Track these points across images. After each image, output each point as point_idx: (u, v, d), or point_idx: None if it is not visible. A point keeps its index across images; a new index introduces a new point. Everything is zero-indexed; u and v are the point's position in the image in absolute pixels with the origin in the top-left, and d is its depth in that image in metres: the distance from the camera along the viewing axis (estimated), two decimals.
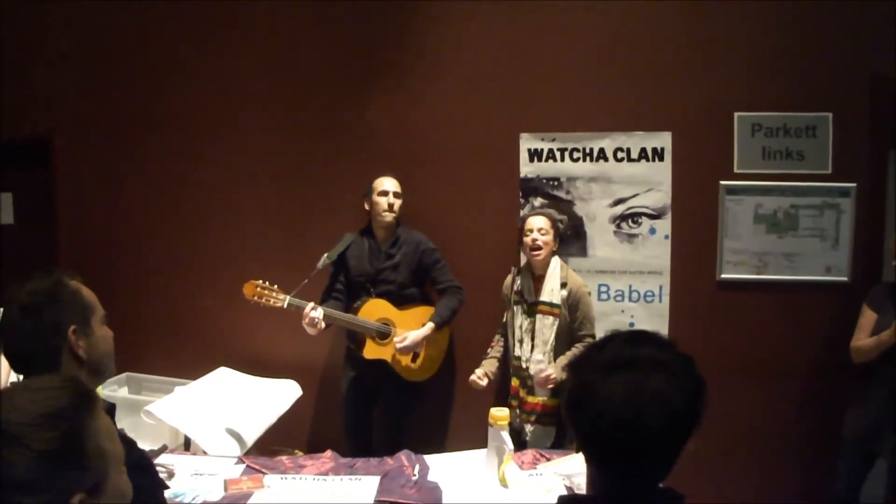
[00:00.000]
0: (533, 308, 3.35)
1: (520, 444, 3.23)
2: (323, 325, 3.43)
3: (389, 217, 3.60)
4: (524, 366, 3.34)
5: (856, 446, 3.23)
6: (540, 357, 3.26)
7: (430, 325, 3.55)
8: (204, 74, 4.13)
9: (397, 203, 3.60)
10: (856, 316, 3.29)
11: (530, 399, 3.32)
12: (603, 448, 1.25)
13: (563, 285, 3.32)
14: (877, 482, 3.24)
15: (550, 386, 3.20)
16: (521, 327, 3.36)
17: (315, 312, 3.40)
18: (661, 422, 1.18)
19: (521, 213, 3.80)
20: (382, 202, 3.57)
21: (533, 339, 3.32)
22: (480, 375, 3.35)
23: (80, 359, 1.59)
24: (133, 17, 4.20)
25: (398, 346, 3.50)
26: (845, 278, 3.66)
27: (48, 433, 1.06)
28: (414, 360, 3.61)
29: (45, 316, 1.56)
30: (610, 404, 1.19)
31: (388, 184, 3.61)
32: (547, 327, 3.29)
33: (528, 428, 3.31)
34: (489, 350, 3.52)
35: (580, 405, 1.25)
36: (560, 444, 3.21)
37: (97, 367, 1.64)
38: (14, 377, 2.34)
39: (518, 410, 3.36)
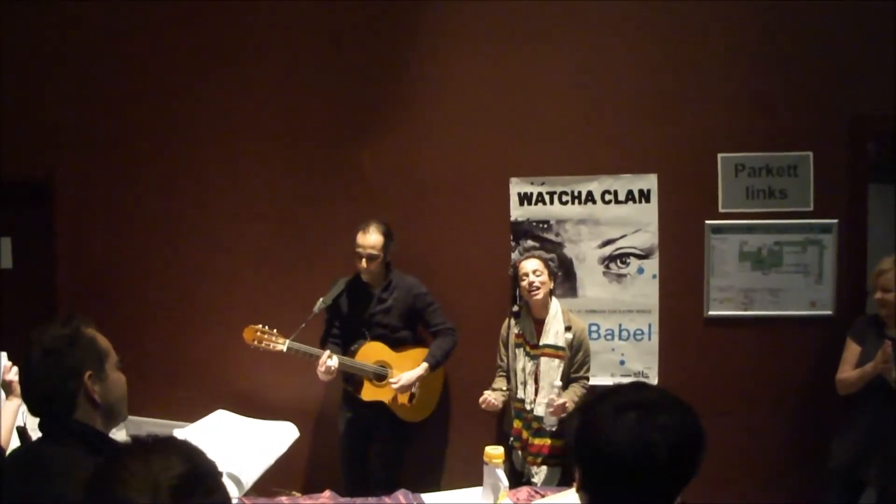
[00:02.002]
0: (535, 350, 3.41)
1: (523, 485, 3.29)
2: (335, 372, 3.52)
3: (366, 277, 3.63)
4: (527, 408, 3.39)
5: (842, 476, 3.30)
6: (553, 397, 3.29)
7: (425, 365, 3.61)
8: (202, 118, 4.20)
9: (373, 264, 3.57)
10: (841, 349, 3.38)
11: (536, 441, 3.37)
12: (608, 484, 1.30)
13: (568, 328, 3.40)
14: None
15: (563, 415, 3.24)
16: (523, 370, 3.42)
17: (331, 361, 3.47)
18: (666, 456, 1.24)
19: (512, 256, 3.88)
20: (358, 261, 3.59)
21: (536, 381, 3.39)
22: (495, 396, 3.37)
23: (96, 402, 1.65)
24: (132, 59, 4.27)
25: (394, 386, 3.56)
26: (830, 312, 3.74)
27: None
28: (410, 400, 3.67)
29: (65, 361, 1.63)
30: (618, 438, 1.26)
31: (360, 245, 3.57)
32: (553, 369, 3.36)
33: (535, 469, 3.36)
34: (495, 384, 3.53)
35: (588, 441, 1.32)
36: (566, 484, 3.26)
37: (111, 411, 1.71)
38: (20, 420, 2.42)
39: (521, 452, 3.42)
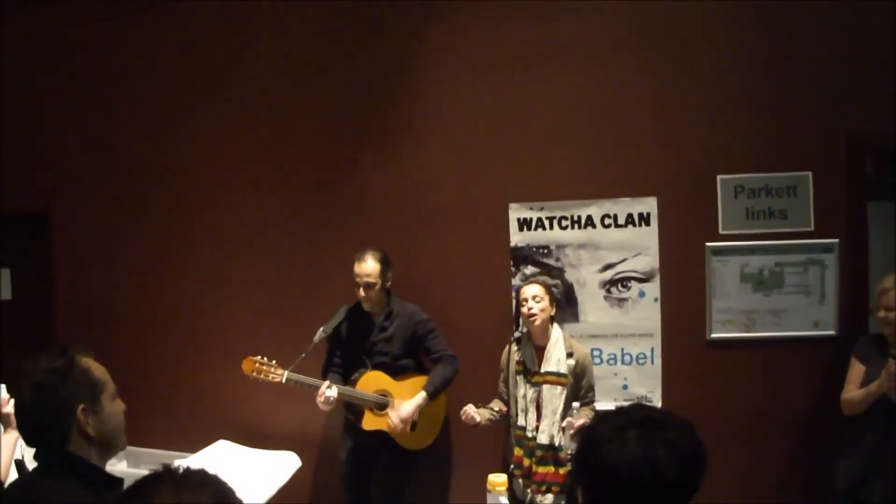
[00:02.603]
0: (537, 378, 3.39)
1: None
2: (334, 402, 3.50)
3: (366, 305, 3.65)
4: (529, 435, 3.36)
5: (848, 497, 3.25)
6: (571, 419, 3.25)
7: (423, 394, 3.58)
8: (200, 148, 4.22)
9: (371, 291, 3.58)
10: (845, 368, 3.35)
11: (540, 469, 3.33)
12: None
13: (570, 355, 3.38)
14: None
15: None
16: (524, 397, 3.39)
17: (330, 392, 3.46)
18: (672, 472, 1.23)
19: (513, 281, 3.87)
20: (357, 289, 3.60)
21: (538, 408, 3.36)
22: (476, 411, 3.35)
23: (89, 436, 1.64)
24: (129, 90, 4.29)
25: (393, 423, 3.53)
26: (833, 332, 3.72)
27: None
28: (412, 428, 3.64)
29: (57, 395, 1.62)
30: (621, 458, 1.25)
31: (358, 273, 3.59)
32: (556, 397, 3.33)
33: (540, 498, 3.32)
34: (490, 404, 3.53)
35: (592, 463, 1.31)
36: None
37: (107, 443, 1.70)
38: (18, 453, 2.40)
39: (522, 480, 3.38)
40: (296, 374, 3.51)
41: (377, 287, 3.59)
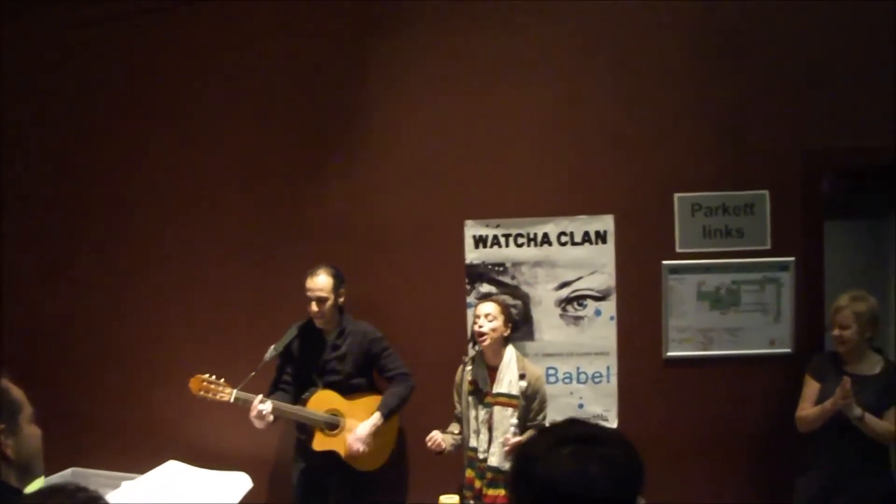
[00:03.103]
0: (489, 399, 3.33)
1: None
2: (271, 418, 3.41)
3: (319, 322, 3.58)
4: (480, 457, 3.31)
5: None
6: (509, 436, 3.23)
7: (377, 415, 3.53)
8: (151, 166, 4.09)
9: (323, 306, 3.53)
10: (800, 386, 3.36)
11: (490, 492, 3.28)
12: None
13: (522, 376, 3.32)
14: None
15: None
16: (476, 418, 3.34)
17: (263, 406, 3.38)
18: (606, 488, 1.19)
19: (468, 299, 3.82)
20: (309, 305, 3.55)
21: (490, 430, 3.31)
22: (443, 438, 3.31)
23: (8, 458, 1.59)
24: (79, 109, 4.15)
25: (352, 448, 3.47)
26: (789, 350, 3.74)
27: None
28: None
29: None
30: (555, 474, 1.21)
31: (310, 288, 3.54)
32: (506, 419, 3.28)
33: None
34: (449, 428, 3.48)
35: (525, 481, 1.27)
36: None
37: (25, 466, 1.65)
38: None
39: (473, 502, 3.33)
40: (245, 392, 3.43)
41: (329, 302, 3.53)
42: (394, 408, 3.59)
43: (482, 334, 3.30)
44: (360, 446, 3.49)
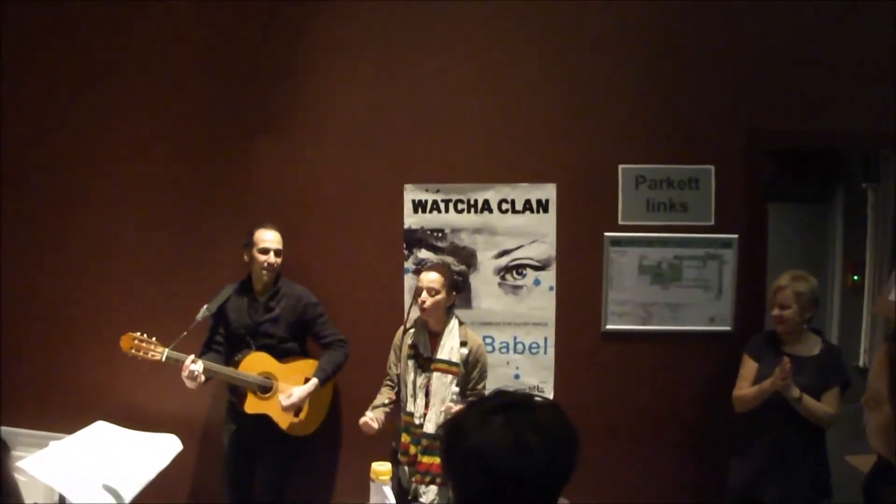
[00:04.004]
0: (428, 364, 3.28)
1: (410, 503, 3.19)
2: (203, 378, 3.36)
3: (269, 276, 3.55)
4: (416, 422, 3.25)
5: (742, 496, 3.24)
6: (450, 404, 3.18)
7: (315, 381, 3.48)
8: (83, 120, 3.98)
9: (278, 261, 3.53)
10: (739, 365, 3.34)
11: (425, 459, 3.21)
12: (485, 495, 1.22)
13: (464, 344, 3.27)
14: None
15: None
16: (414, 383, 3.29)
17: (195, 366, 3.33)
18: (547, 454, 1.17)
19: (405, 264, 3.77)
20: (261, 260, 3.50)
21: (427, 395, 3.26)
22: (373, 418, 3.24)
23: None
24: (10, 80, 4.02)
25: (283, 405, 3.42)
26: (728, 328, 3.73)
27: None
28: (297, 414, 3.53)
29: None
30: (488, 444, 1.18)
31: (268, 240, 3.53)
32: (445, 386, 3.23)
33: (423, 489, 3.22)
34: (377, 399, 3.43)
35: (458, 453, 1.24)
36: None
37: None
38: None
39: (408, 468, 3.28)
40: (176, 352, 3.37)
41: (281, 256, 3.54)
42: (330, 374, 3.55)
43: (422, 303, 3.25)
44: (293, 410, 3.45)
